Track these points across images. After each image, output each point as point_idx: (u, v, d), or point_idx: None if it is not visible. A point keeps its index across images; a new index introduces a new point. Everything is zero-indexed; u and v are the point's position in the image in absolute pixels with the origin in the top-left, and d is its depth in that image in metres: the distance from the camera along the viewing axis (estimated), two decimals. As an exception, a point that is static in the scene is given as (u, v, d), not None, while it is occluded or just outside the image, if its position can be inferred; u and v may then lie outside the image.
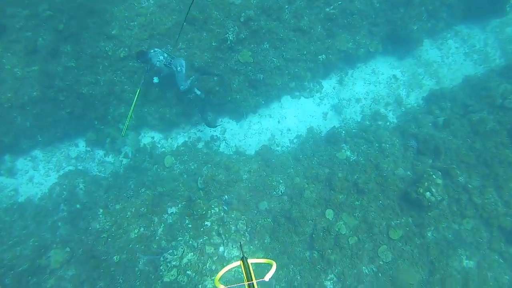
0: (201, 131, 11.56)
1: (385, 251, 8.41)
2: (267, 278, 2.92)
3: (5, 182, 10.89)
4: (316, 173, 9.76)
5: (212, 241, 8.47)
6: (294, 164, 10.32)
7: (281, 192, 9.54)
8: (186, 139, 11.45)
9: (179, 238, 8.75)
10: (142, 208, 9.26)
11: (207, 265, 8.22)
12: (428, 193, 8.23)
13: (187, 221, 8.98)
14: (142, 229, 9.00)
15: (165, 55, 9.31)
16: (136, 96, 9.35)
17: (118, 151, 11.53)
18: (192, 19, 10.29)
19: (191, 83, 9.73)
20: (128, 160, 11.37)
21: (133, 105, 9.36)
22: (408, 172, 9.28)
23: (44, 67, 10.25)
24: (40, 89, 10.31)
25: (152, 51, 9.30)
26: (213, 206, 8.94)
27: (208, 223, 8.78)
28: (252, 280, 2.93)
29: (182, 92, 9.87)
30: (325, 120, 11.42)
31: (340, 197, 9.01)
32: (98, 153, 11.63)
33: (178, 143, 11.40)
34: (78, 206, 10.29)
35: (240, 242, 8.47)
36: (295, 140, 11.28)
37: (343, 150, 10.24)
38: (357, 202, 8.99)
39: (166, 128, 11.35)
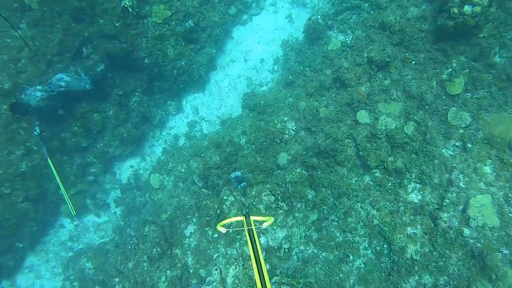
0: (173, 127, 9.59)
1: (458, 114, 6.14)
2: (264, 226, 3.47)
3: (19, 309, 9.47)
4: (318, 83, 7.54)
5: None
6: (289, 91, 8.15)
7: (293, 130, 7.42)
8: (164, 145, 9.52)
9: (215, 256, 6.90)
10: (155, 250, 7.46)
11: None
12: (466, 6, 5.81)
13: (210, 233, 7.09)
14: (168, 272, 7.22)
15: (39, 86, 7.37)
16: (53, 167, 7.56)
17: (106, 205, 9.81)
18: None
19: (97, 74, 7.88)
20: (121, 208, 9.64)
21: (57, 178, 7.58)
22: (424, 6, 6.84)
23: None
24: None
25: (23, 95, 7.37)
26: (225, 197, 6.98)
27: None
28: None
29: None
30: (293, 23, 9.08)
31: (362, 88, 6.77)
32: (89, 220, 9.96)
33: (158, 156, 9.50)
34: (96, 288, 8.69)
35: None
36: (275, 67, 9.05)
37: (332, 39, 7.93)
38: (386, 81, 6.71)
39: (134, 148, 9.45)
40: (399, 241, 5.93)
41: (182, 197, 8.05)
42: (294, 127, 7.42)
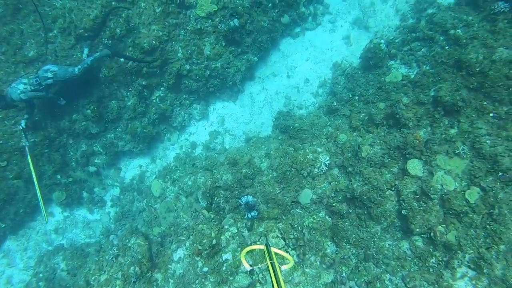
0: (193, 133, 8.72)
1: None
2: (283, 268, 3.12)
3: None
4: (367, 116, 6.43)
5: (241, 284, 5.38)
6: (330, 119, 7.07)
7: (325, 165, 6.29)
8: (178, 151, 8.65)
9: (199, 296, 5.80)
10: (134, 268, 6.45)
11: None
12: None
13: (200, 264, 6.00)
14: (141, 300, 6.16)
15: (24, 79, 6.86)
16: (31, 165, 7.18)
17: (102, 202, 8.99)
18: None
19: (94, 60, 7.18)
20: (115, 210, 8.78)
21: (34, 178, 7.17)
22: (518, 49, 5.63)
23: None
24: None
25: (9, 87, 6.86)
26: (226, 226, 5.91)
27: (228, 256, 5.73)
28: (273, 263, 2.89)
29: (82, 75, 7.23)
30: (350, 45, 8.07)
31: (421, 133, 5.57)
32: (80, 215, 9.16)
33: (169, 161, 8.63)
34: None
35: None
36: (320, 91, 8.01)
37: (393, 70, 6.83)
38: (452, 130, 5.48)
39: (146, 147, 8.63)
40: None
41: (181, 213, 7.05)
42: (328, 161, 6.29)
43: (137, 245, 7.07)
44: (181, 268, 6.33)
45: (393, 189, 5.56)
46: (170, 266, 6.49)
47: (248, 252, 3.53)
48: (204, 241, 5.78)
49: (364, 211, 5.67)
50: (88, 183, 8.89)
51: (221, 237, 5.84)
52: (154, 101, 8.24)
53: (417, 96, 5.89)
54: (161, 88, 8.22)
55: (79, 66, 7.11)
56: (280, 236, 5.54)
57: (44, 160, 8.64)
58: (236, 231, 5.87)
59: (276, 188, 6.41)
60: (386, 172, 5.68)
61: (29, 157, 7.21)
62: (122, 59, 7.66)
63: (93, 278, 7.07)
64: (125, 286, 6.36)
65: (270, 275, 2.77)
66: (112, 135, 8.51)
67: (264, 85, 8.51)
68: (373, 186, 5.58)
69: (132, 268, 6.62)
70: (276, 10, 8.13)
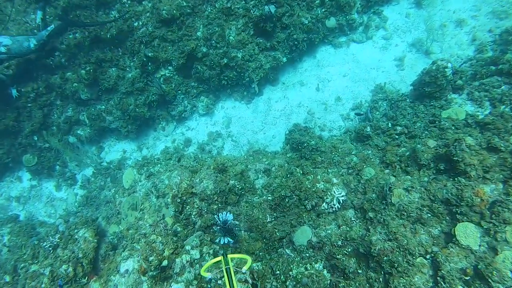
0: (192, 129, 7.18)
1: None
2: (243, 269, 3.16)
3: None
4: (408, 152, 4.67)
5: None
6: (357, 147, 5.35)
7: (338, 201, 4.53)
8: (169, 144, 7.11)
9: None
10: (66, 267, 4.83)
11: None
12: None
13: (146, 286, 4.28)
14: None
15: None
16: None
17: (73, 179, 7.50)
18: None
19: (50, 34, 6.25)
20: (82, 193, 7.25)
21: None
22: None
23: None
24: None
25: None
26: (188, 247, 4.20)
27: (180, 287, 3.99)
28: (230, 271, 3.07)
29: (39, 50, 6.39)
30: (402, 69, 6.41)
31: (486, 189, 3.75)
32: (47, 188, 7.68)
33: (156, 152, 7.09)
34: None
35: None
36: (352, 114, 6.32)
37: (454, 104, 5.10)
38: (535, 196, 3.65)
39: (135, 130, 7.13)
40: None
41: (146, 216, 5.39)
42: (343, 197, 4.53)
43: (84, 239, 5.45)
44: (124, 285, 4.61)
45: (428, 257, 3.72)
46: (113, 278, 4.78)
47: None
48: (151, 258, 4.09)
49: (380, 277, 3.84)
50: (64, 155, 7.45)
51: (176, 260, 4.12)
52: (157, 79, 6.80)
53: (487, 140, 4.11)
54: (169, 67, 6.79)
55: (35, 42, 6.09)
56: (251, 281, 3.76)
57: (25, 115, 7.33)
58: (199, 257, 4.15)
59: (267, 215, 4.67)
60: (422, 232, 3.86)
61: None
62: (80, 28, 6.57)
63: (22, 265, 5.48)
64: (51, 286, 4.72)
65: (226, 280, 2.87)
66: (103, 107, 7.10)
67: (287, 93, 6.92)
68: (399, 245, 3.77)
69: (65, 267, 4.99)
70: (323, 10, 6.64)
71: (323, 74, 6.86)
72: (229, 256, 3.21)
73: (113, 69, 6.80)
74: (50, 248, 5.30)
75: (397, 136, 5.11)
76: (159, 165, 6.12)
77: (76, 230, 5.62)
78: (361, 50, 6.84)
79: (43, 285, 4.94)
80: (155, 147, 7.19)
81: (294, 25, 6.42)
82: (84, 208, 6.85)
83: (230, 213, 4.42)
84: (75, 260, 5.07)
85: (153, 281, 4.24)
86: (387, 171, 4.71)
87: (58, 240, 5.39)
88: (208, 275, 3.27)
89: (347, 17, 6.70)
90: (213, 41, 6.42)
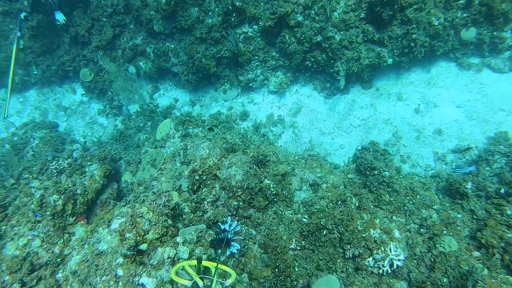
0: (256, 103, 6.14)
1: None
2: (226, 282, 2.86)
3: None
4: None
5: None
6: (443, 204, 3.87)
7: (391, 264, 3.21)
8: (223, 110, 6.15)
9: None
10: (54, 198, 4.24)
11: None
12: None
13: (120, 258, 3.44)
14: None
15: None
16: (14, 56, 6.41)
17: (118, 109, 6.99)
18: None
19: None
20: (122, 127, 6.70)
21: (11, 73, 6.44)
22: None
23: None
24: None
25: None
26: (180, 238, 3.24)
27: (148, 283, 3.07)
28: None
29: None
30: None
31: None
32: (93, 108, 7.30)
33: (207, 114, 6.20)
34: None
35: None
36: (451, 157, 4.73)
37: None
38: None
39: (194, 82, 6.26)
40: None
41: (162, 178, 4.57)
42: (399, 262, 3.19)
43: (91, 176, 4.81)
44: (107, 244, 3.84)
45: None
46: (101, 231, 4.03)
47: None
48: (129, 235, 3.21)
49: None
50: (114, 81, 6.89)
51: (159, 249, 3.19)
52: (235, 35, 5.80)
53: None
54: (254, 26, 5.74)
55: None
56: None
57: (97, 28, 6.90)
58: (186, 257, 3.17)
59: (294, 239, 3.52)
60: None
61: (15, 46, 6.47)
62: None
63: (26, 176, 5.03)
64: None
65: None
66: (172, 46, 6.34)
67: (378, 102, 5.49)
68: None
69: (54, 197, 4.38)
70: (465, 14, 5.00)
71: (431, 94, 5.29)
72: (207, 264, 2.85)
73: (195, 8, 5.94)
74: (55, 171, 4.73)
75: (509, 212, 3.53)
76: (200, 128, 5.21)
77: (89, 163, 5.01)
78: (495, 82, 5.10)
79: (32, 206, 4.40)
80: (209, 107, 6.31)
81: (419, 22, 4.91)
82: (114, 144, 6.28)
83: (238, 223, 3.40)
84: (70, 195, 4.44)
85: (131, 259, 3.38)
86: (477, 254, 3.24)
87: (67, 166, 4.80)
88: (187, 283, 2.79)
89: (495, 33, 4.98)
90: (313, 11, 5.19)
